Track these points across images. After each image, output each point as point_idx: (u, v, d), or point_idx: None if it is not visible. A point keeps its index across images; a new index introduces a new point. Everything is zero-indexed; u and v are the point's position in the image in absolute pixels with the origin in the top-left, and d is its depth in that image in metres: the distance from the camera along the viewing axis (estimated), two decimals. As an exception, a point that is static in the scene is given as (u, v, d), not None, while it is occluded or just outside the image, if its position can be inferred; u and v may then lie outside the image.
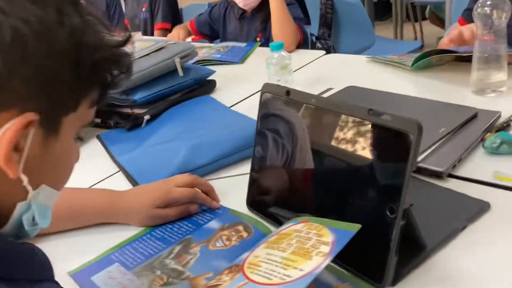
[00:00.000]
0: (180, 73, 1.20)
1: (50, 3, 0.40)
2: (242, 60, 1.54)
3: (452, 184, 0.73)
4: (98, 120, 1.18)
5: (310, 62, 1.42)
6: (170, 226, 0.74)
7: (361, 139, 0.58)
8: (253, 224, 0.70)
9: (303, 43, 1.70)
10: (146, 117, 1.12)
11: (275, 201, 0.71)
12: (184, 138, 0.95)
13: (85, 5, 0.44)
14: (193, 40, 1.82)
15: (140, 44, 1.27)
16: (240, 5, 1.75)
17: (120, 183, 0.90)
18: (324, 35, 2.10)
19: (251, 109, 1.05)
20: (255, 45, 1.67)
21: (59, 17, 0.40)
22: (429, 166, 0.75)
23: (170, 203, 0.74)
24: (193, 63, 1.55)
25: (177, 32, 1.95)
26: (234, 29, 1.86)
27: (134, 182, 0.88)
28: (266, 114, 0.73)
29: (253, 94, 1.23)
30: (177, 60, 1.19)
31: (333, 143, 0.62)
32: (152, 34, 2.26)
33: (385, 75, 1.21)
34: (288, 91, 0.68)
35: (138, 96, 1.12)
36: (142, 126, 1.12)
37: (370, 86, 1.10)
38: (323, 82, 1.22)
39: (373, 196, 0.58)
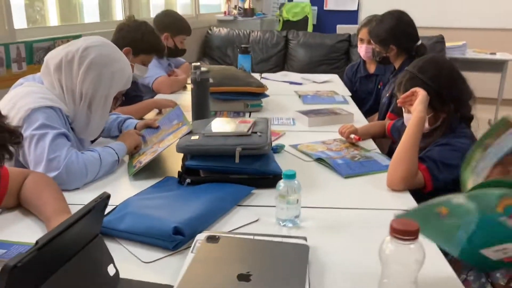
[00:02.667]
0: (237, 160, 1.38)
1: None
2: (348, 176, 1.51)
3: None
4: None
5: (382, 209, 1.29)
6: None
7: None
8: None
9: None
10: (188, 180, 1.39)
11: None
12: (153, 206, 1.19)
13: None
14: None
15: (243, 127, 1.50)
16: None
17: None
18: None
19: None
20: (392, 168, 1.57)
21: None
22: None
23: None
24: (318, 158, 1.64)
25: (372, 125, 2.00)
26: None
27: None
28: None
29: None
30: (238, 149, 1.38)
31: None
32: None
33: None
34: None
35: (189, 162, 1.39)
36: (184, 184, 1.39)
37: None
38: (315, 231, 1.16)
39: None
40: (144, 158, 1.51)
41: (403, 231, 0.70)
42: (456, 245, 1.01)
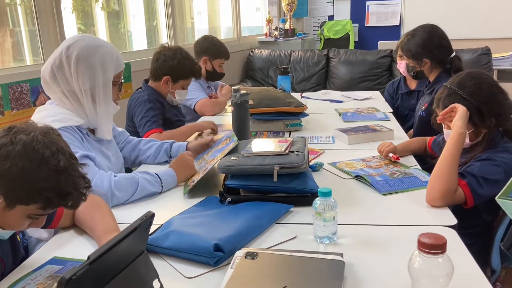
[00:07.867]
0: (275, 179, 1.43)
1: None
2: (386, 193, 1.52)
3: None
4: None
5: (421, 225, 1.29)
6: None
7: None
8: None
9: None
10: (228, 199, 1.44)
11: None
12: (195, 224, 1.25)
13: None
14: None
15: (280, 146, 1.55)
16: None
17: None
18: None
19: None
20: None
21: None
22: None
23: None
24: (356, 176, 1.66)
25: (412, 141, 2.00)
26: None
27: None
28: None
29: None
30: (275, 168, 1.42)
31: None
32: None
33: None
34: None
35: (229, 181, 1.45)
36: (225, 203, 1.45)
37: None
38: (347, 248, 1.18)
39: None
40: (197, 177, 1.59)
41: (431, 245, 0.71)
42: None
